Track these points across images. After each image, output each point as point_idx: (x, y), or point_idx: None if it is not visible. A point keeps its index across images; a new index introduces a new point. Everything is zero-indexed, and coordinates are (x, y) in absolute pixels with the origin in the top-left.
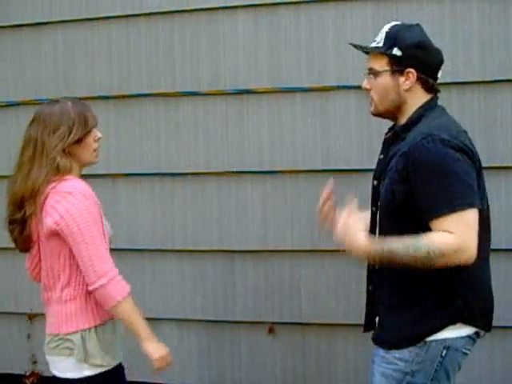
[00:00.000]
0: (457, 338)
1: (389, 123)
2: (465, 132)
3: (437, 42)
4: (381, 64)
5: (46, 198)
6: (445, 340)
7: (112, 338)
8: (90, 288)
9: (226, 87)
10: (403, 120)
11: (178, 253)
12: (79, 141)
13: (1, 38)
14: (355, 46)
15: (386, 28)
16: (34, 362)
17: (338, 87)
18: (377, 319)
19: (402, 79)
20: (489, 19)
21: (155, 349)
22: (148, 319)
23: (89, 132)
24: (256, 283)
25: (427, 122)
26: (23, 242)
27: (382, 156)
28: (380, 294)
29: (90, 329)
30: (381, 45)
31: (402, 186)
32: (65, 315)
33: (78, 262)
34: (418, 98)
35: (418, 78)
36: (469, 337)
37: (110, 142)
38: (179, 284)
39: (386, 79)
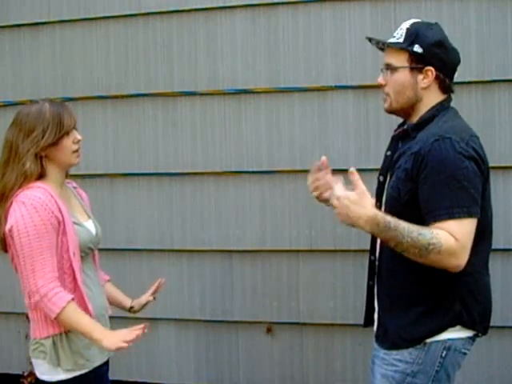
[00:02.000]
0: (456, 338)
1: (386, 124)
2: (477, 137)
3: None
4: (400, 60)
5: (11, 204)
6: (445, 341)
7: (88, 341)
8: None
9: (224, 87)
10: (415, 118)
11: (176, 252)
12: (55, 143)
13: None
14: (372, 40)
15: (407, 24)
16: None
17: (336, 87)
18: (375, 316)
19: (420, 77)
20: (486, 19)
21: (108, 342)
22: (146, 319)
23: (65, 134)
24: (254, 283)
25: (440, 123)
26: (1, 242)
27: (389, 152)
28: (379, 292)
29: (61, 334)
30: (401, 40)
31: (409, 186)
32: (37, 320)
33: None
34: (433, 97)
35: (436, 77)
36: (468, 337)
37: (107, 142)
38: (177, 284)
39: (404, 75)
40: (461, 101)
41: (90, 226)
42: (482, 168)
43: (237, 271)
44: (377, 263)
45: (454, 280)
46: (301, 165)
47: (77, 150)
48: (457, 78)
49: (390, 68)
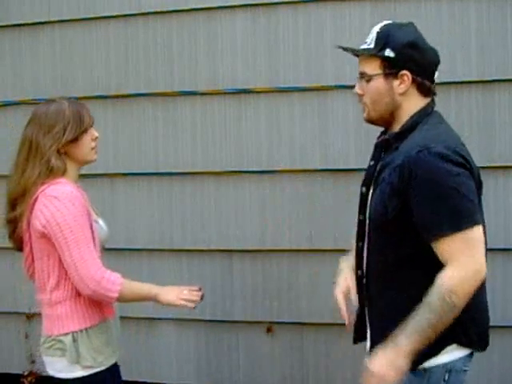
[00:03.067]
0: (456, 359)
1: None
2: (463, 145)
3: (434, 41)
4: (373, 67)
5: (36, 200)
6: (445, 364)
7: (106, 338)
8: (83, 294)
9: (224, 87)
10: (397, 127)
11: (176, 252)
12: (75, 140)
13: None
14: (345, 49)
15: (377, 28)
16: (32, 362)
17: (336, 87)
18: (368, 332)
19: (396, 82)
20: (487, 18)
21: (170, 298)
22: (146, 319)
23: (84, 131)
24: (254, 283)
25: (424, 132)
26: (15, 241)
27: (372, 162)
28: (369, 310)
29: (81, 330)
30: (372, 46)
31: (395, 201)
32: (56, 317)
33: (66, 267)
34: (413, 103)
35: (414, 81)
36: (467, 355)
37: (108, 142)
38: (177, 283)
39: (379, 83)
40: (461, 101)
41: (102, 223)
42: (473, 174)
43: (237, 271)
44: (364, 280)
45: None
46: (301, 164)
47: (94, 147)
48: (456, 77)
49: (365, 77)
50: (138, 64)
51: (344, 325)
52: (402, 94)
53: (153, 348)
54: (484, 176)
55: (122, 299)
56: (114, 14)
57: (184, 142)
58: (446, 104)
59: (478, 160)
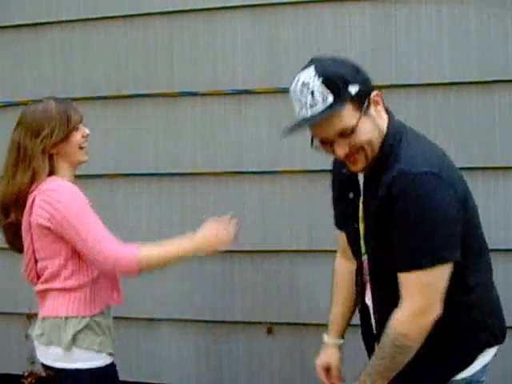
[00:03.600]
0: (476, 371)
1: None
2: (444, 154)
3: (435, 41)
4: (348, 116)
5: (34, 200)
6: (464, 378)
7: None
8: (103, 274)
9: (225, 87)
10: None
11: None
12: (64, 139)
13: None
14: (295, 130)
15: (316, 81)
16: (33, 363)
17: None
18: None
19: (373, 110)
20: (487, 19)
21: (201, 244)
22: (146, 319)
23: (73, 129)
24: (254, 283)
25: (403, 154)
26: (15, 244)
27: (351, 195)
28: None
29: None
30: (330, 100)
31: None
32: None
33: (82, 254)
34: (384, 120)
35: (378, 95)
36: (484, 366)
37: (108, 143)
38: (177, 284)
39: (364, 123)
40: (461, 101)
41: None
42: (458, 194)
43: (237, 272)
44: (371, 311)
45: (472, 310)
46: (301, 165)
47: (84, 146)
48: (456, 78)
49: (347, 132)
50: (138, 65)
51: None
52: (380, 116)
53: (153, 348)
54: (484, 176)
55: (145, 269)
56: (115, 14)
57: (184, 142)
58: (446, 104)
59: (478, 160)
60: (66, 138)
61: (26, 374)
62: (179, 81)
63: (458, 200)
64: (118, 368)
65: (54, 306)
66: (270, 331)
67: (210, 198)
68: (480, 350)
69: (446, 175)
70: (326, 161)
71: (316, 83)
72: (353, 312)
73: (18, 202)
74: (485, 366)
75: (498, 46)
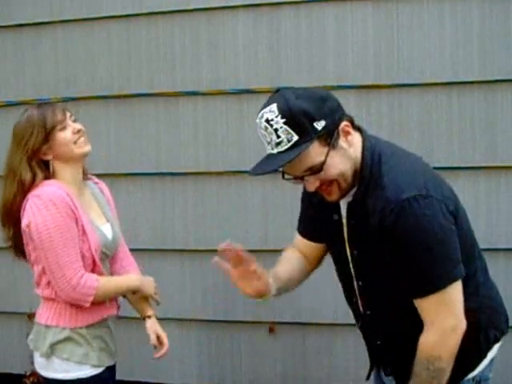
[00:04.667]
0: (484, 368)
1: (387, 124)
2: (424, 165)
3: (437, 41)
4: (315, 153)
5: (26, 203)
6: (474, 376)
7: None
8: (59, 295)
9: (226, 87)
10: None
11: (178, 252)
12: (45, 141)
13: (1, 37)
14: (264, 173)
15: (278, 122)
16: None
17: (338, 87)
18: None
19: (342, 141)
20: (489, 19)
21: (147, 290)
22: None
23: (53, 130)
24: None
25: (386, 178)
26: (21, 253)
27: (336, 217)
28: (389, 355)
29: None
30: (295, 139)
31: (387, 258)
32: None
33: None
34: (358, 145)
35: (347, 125)
36: (490, 361)
37: (110, 142)
38: (179, 284)
39: (333, 157)
40: (463, 101)
41: (107, 229)
42: (449, 209)
43: None
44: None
45: (478, 313)
46: None
47: (78, 140)
48: (458, 77)
49: (315, 169)
50: (140, 64)
51: (346, 325)
52: (352, 145)
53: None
54: (486, 176)
55: (99, 300)
56: (116, 14)
57: (186, 142)
58: (448, 104)
59: (480, 160)
60: (46, 139)
61: (27, 373)
62: (181, 80)
63: (450, 213)
64: (119, 368)
65: (39, 313)
66: (271, 330)
67: (211, 197)
68: (490, 348)
69: (434, 192)
70: None
71: (279, 123)
72: (291, 283)
73: (8, 213)
74: (491, 361)
75: (500, 45)
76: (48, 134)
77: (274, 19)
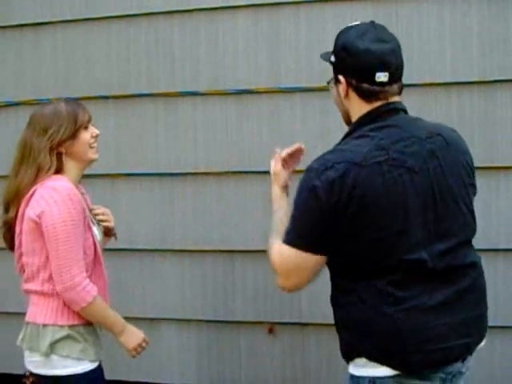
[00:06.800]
0: (386, 376)
1: None
2: (346, 161)
3: (436, 41)
4: (331, 73)
5: (34, 192)
6: (372, 378)
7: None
8: (57, 289)
9: (226, 87)
10: None
11: (177, 253)
12: (71, 138)
13: (1, 37)
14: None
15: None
16: None
17: None
18: None
19: (340, 87)
20: (488, 19)
21: (128, 340)
22: (148, 319)
23: (80, 128)
24: (256, 283)
25: (334, 148)
26: (7, 240)
27: None
28: None
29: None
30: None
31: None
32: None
33: (50, 259)
34: (357, 108)
35: (349, 84)
36: (396, 375)
37: (109, 142)
38: (179, 284)
39: (333, 89)
40: (463, 101)
41: (97, 231)
42: (332, 198)
43: (239, 271)
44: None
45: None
46: (303, 164)
47: (94, 145)
48: (458, 78)
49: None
50: (140, 64)
51: None
52: (346, 98)
53: (154, 348)
54: (485, 176)
55: (88, 313)
56: (116, 14)
57: (186, 142)
58: (447, 104)
59: (479, 160)
60: (73, 136)
61: (27, 374)
62: (181, 80)
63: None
64: (118, 368)
65: (33, 312)
66: (271, 331)
67: (211, 198)
68: (358, 350)
69: (319, 164)
70: None
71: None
72: None
73: (18, 197)
74: (373, 379)
75: (499, 45)
76: (76, 131)
77: (273, 19)
